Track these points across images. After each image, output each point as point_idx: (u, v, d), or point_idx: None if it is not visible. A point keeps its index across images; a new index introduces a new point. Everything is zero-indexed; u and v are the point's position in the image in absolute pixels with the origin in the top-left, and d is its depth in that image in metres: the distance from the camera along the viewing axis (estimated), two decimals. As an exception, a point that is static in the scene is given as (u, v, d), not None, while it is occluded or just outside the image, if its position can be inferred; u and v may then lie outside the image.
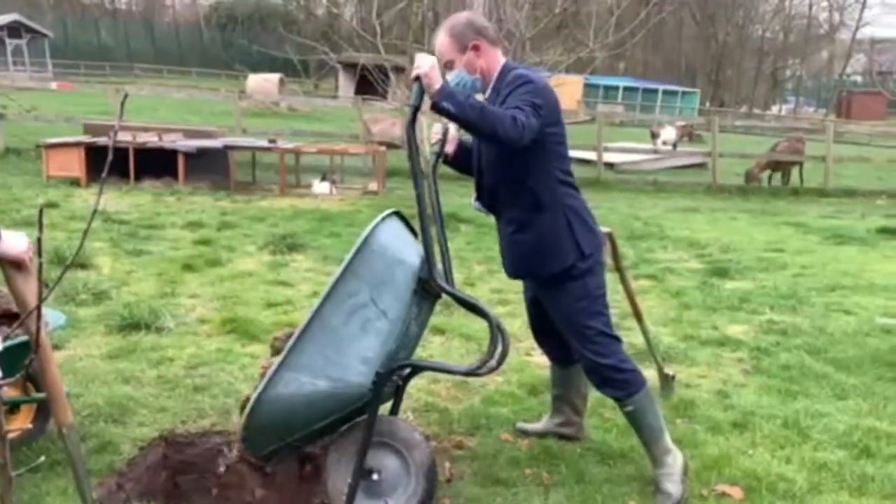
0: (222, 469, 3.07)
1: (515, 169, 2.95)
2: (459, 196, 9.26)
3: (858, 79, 61.80)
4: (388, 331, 2.70)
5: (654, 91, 41.47)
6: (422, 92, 2.68)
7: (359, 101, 18.04)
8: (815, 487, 3.18)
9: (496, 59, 3.05)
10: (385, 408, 2.95)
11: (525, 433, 3.60)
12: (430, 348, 4.70)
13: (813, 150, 16.71)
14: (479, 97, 2.97)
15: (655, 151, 19.26)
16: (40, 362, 2.23)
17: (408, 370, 2.99)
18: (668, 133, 21.13)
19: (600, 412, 3.80)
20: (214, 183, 11.32)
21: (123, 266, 6.45)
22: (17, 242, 2.19)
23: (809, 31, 58.06)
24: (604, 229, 3.31)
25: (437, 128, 3.13)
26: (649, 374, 3.78)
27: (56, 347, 4.14)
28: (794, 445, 3.56)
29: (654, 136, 21.55)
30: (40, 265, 1.68)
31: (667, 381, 4.01)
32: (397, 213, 2.95)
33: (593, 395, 3.47)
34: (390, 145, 14.17)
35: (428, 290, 2.81)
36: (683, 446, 3.32)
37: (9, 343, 2.65)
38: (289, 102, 27.35)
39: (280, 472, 3.19)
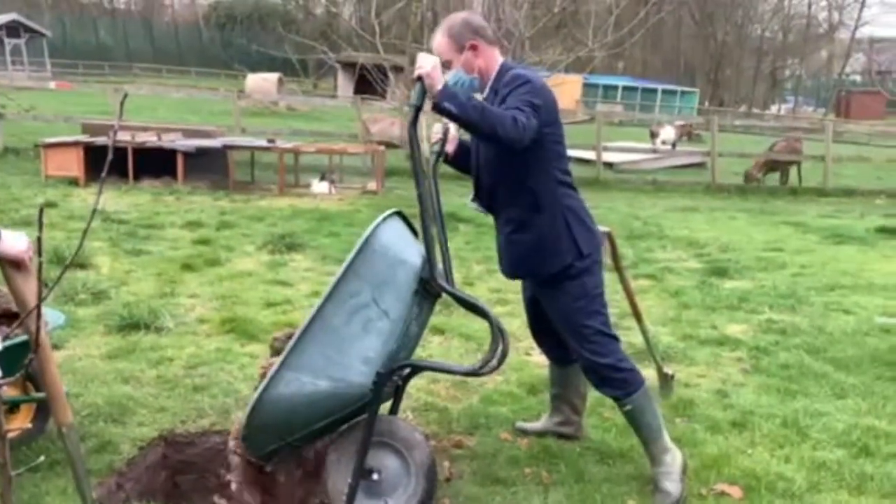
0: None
1: (513, 169, 2.96)
2: (458, 196, 9.27)
3: (857, 78, 61.83)
4: (390, 331, 2.70)
5: (654, 90, 41.47)
6: (424, 92, 2.68)
7: (358, 101, 18.05)
8: (815, 486, 3.18)
9: (494, 58, 3.05)
10: (385, 407, 2.95)
11: (524, 432, 3.61)
12: (430, 348, 4.70)
13: (812, 150, 16.72)
14: (478, 97, 2.98)
15: (654, 151, 19.26)
16: (40, 362, 2.23)
17: (408, 370, 3.00)
18: (668, 132, 21.13)
19: (599, 411, 3.80)
20: (213, 182, 11.32)
21: (122, 266, 6.45)
22: (16, 242, 2.19)
23: (808, 31, 58.08)
24: (603, 229, 3.32)
25: (437, 127, 3.13)
26: (648, 373, 3.78)
27: (55, 347, 4.14)
28: (793, 444, 3.56)
29: (654, 135, 21.56)
30: (40, 264, 1.68)
31: (666, 380, 4.01)
32: (398, 213, 2.95)
33: (592, 394, 3.47)
34: (389, 145, 14.18)
35: (429, 289, 2.81)
36: (682, 445, 3.32)
37: (8, 342, 2.65)
38: (288, 102, 27.35)
39: (280, 471, 3.19)
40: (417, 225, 2.88)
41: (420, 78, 2.66)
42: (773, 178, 16.03)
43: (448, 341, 4.89)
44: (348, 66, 29.69)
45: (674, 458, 3.10)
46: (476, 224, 8.54)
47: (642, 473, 3.22)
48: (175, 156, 11.17)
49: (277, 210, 9.72)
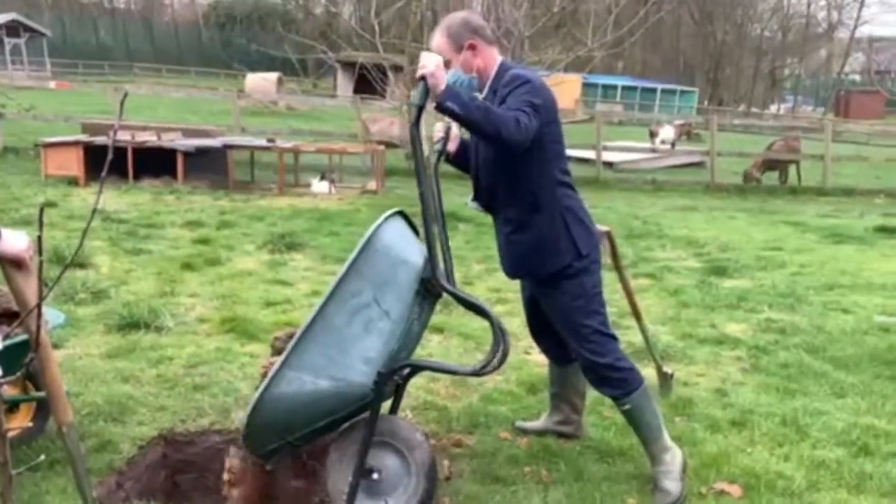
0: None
1: (512, 169, 2.96)
2: (458, 195, 9.27)
3: (857, 77, 61.84)
4: (391, 331, 2.71)
5: (653, 90, 41.50)
6: (427, 91, 2.68)
7: (357, 101, 18.04)
8: (814, 485, 3.19)
9: (493, 58, 3.05)
10: (385, 406, 2.95)
11: (524, 431, 3.61)
12: (429, 347, 4.70)
13: (811, 149, 16.72)
14: (477, 96, 2.98)
15: (654, 150, 19.27)
16: (40, 361, 2.23)
17: (409, 370, 3.00)
18: (667, 132, 21.13)
19: (599, 410, 3.81)
20: (213, 182, 11.32)
21: (122, 265, 6.45)
22: (17, 241, 2.19)
23: (808, 30, 58.08)
24: (602, 228, 3.32)
25: (439, 126, 3.13)
26: (648, 372, 3.79)
27: (55, 346, 4.13)
28: (792, 443, 3.57)
29: (653, 135, 21.56)
30: (41, 264, 1.68)
31: (665, 379, 4.02)
32: (400, 213, 2.95)
33: (592, 393, 3.48)
34: (389, 144, 14.17)
35: (430, 289, 2.81)
36: (682, 444, 3.32)
37: (9, 341, 2.65)
38: (287, 101, 27.33)
39: (280, 470, 3.19)
40: (419, 224, 2.88)
41: (423, 77, 2.67)
42: (772, 178, 16.04)
43: (447, 340, 4.89)
44: (348, 65, 29.69)
45: (673, 456, 3.11)
46: (476, 223, 8.55)
47: (642, 472, 3.23)
48: (175, 155, 11.17)
49: (277, 209, 9.72)
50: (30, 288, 2.21)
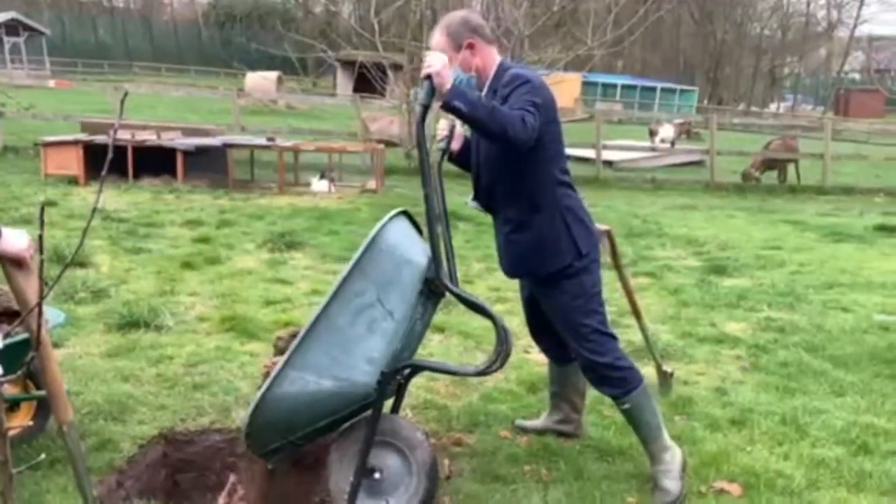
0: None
1: (512, 168, 2.96)
2: (458, 194, 9.27)
3: (856, 76, 61.86)
4: (394, 331, 2.71)
5: (653, 89, 41.52)
6: (433, 90, 2.68)
7: (357, 99, 18.05)
8: (814, 484, 3.19)
9: (492, 57, 3.05)
10: (386, 405, 2.95)
11: (524, 430, 3.61)
12: (430, 346, 4.70)
13: (811, 148, 16.73)
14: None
15: (653, 149, 19.27)
16: (41, 360, 2.23)
17: (411, 369, 3.00)
18: (667, 131, 21.13)
19: (599, 409, 3.81)
20: (213, 181, 11.31)
21: (122, 264, 6.45)
22: (17, 240, 2.19)
23: (807, 29, 58.08)
24: (602, 227, 3.32)
25: (443, 124, 3.13)
26: (648, 371, 3.79)
27: (55, 346, 4.13)
28: (792, 442, 3.57)
29: (653, 133, 21.55)
30: (41, 262, 1.68)
31: (665, 378, 4.02)
32: (405, 213, 2.95)
33: (592, 392, 3.48)
34: (389, 143, 14.18)
35: (433, 289, 2.81)
36: (682, 443, 3.33)
37: (9, 340, 2.65)
38: (287, 100, 27.32)
39: (281, 469, 3.20)
40: (422, 224, 2.88)
41: (429, 76, 2.67)
42: (772, 177, 16.05)
43: (448, 339, 4.89)
44: (347, 64, 29.69)
45: (673, 455, 3.11)
46: (476, 222, 8.55)
47: (642, 471, 3.23)
48: (175, 154, 11.17)
49: (277, 208, 9.72)
50: (30, 287, 2.21)
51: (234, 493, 2.94)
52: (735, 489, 3.13)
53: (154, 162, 11.09)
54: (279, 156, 11.85)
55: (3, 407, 1.91)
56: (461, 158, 3.20)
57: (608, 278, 3.22)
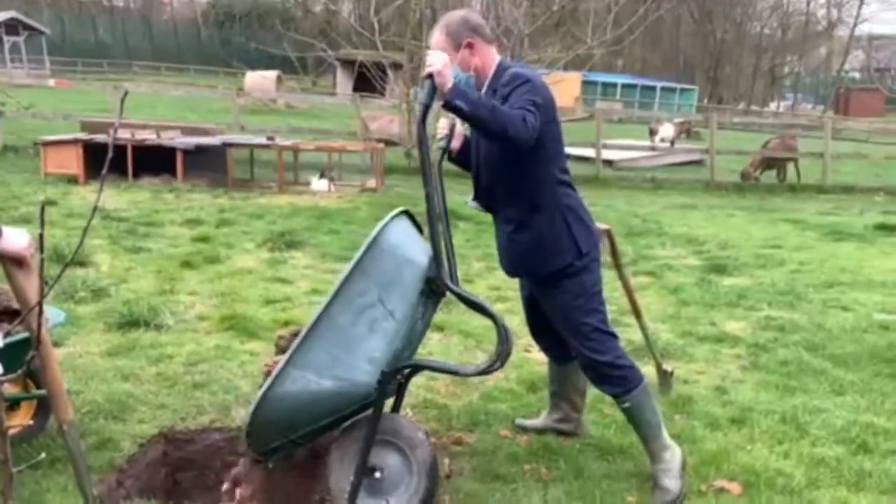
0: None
1: (512, 168, 2.96)
2: (459, 194, 9.27)
3: (856, 75, 61.88)
4: (395, 331, 2.70)
5: (653, 88, 41.53)
6: (434, 90, 2.68)
7: (357, 98, 18.05)
8: (813, 482, 3.19)
9: (491, 57, 3.05)
10: (386, 405, 2.95)
11: (524, 429, 3.61)
12: (429, 345, 4.70)
13: (811, 147, 16.73)
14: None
15: (653, 148, 19.26)
16: (41, 359, 2.23)
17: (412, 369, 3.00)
18: (667, 130, 21.13)
19: (599, 408, 3.81)
20: (213, 180, 11.31)
21: (122, 263, 6.45)
22: (18, 239, 2.19)
23: (807, 28, 58.09)
24: (602, 226, 3.32)
25: (443, 122, 3.12)
26: (648, 370, 3.79)
27: (55, 345, 4.13)
28: (792, 441, 3.57)
29: (653, 133, 21.56)
30: (42, 261, 1.68)
31: (665, 377, 4.02)
32: (406, 212, 2.95)
33: (592, 391, 3.48)
34: (388, 142, 14.18)
35: (434, 289, 2.81)
36: (682, 442, 3.33)
37: (10, 339, 2.65)
38: (287, 100, 27.33)
39: (281, 468, 3.20)
40: (423, 223, 2.88)
41: (430, 76, 2.66)
42: (771, 176, 16.05)
43: (448, 338, 4.89)
44: (347, 63, 29.68)
45: (673, 454, 3.11)
46: (476, 222, 8.55)
47: (642, 470, 3.23)
48: (174, 153, 11.16)
49: (277, 208, 9.72)
50: (31, 286, 2.21)
51: (235, 491, 2.94)
52: (735, 488, 3.13)
53: (154, 161, 11.09)
54: (279, 155, 11.85)
55: (3, 406, 1.91)
56: (461, 157, 3.19)
57: (608, 277, 3.22)
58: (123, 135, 10.91)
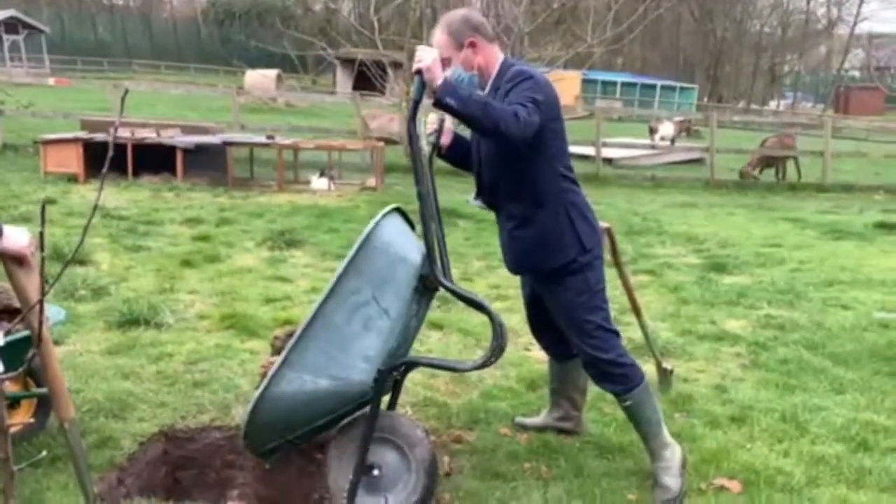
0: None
1: (515, 164, 2.95)
2: (459, 192, 9.27)
3: (856, 74, 61.90)
4: (390, 329, 2.70)
5: (653, 86, 41.55)
6: (423, 86, 2.66)
7: (357, 97, 18.01)
8: (813, 481, 3.19)
9: (494, 55, 3.03)
10: (383, 402, 2.96)
11: (524, 427, 3.61)
12: (429, 343, 4.71)
13: (811, 146, 16.73)
14: (479, 94, 2.96)
15: (653, 147, 19.26)
16: (42, 357, 2.23)
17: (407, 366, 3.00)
18: (667, 128, 21.14)
19: (599, 406, 3.81)
20: (213, 179, 11.32)
21: (122, 262, 6.45)
22: (19, 238, 2.20)
23: (807, 27, 58.10)
24: (602, 224, 3.32)
25: (432, 118, 3.10)
26: (648, 368, 3.79)
27: (56, 343, 4.13)
28: (792, 439, 3.57)
29: (653, 131, 21.56)
30: (42, 260, 1.68)
31: (665, 375, 4.03)
32: (398, 209, 2.95)
33: (592, 389, 3.48)
34: (388, 141, 14.18)
35: (427, 286, 2.82)
36: (682, 440, 3.33)
37: (10, 338, 2.66)
38: (286, 98, 27.31)
39: (281, 467, 3.20)
40: (415, 220, 2.88)
41: (419, 72, 2.65)
42: (771, 174, 16.05)
43: (447, 337, 4.89)
44: (347, 62, 29.64)
45: (673, 453, 3.11)
46: (476, 220, 8.54)
47: (642, 468, 3.23)
48: (174, 152, 11.17)
49: (277, 206, 9.72)
50: (31, 284, 2.22)
51: (236, 490, 2.95)
52: (735, 486, 3.13)
53: (153, 160, 11.09)
54: (279, 154, 11.85)
55: (4, 404, 1.91)
56: (451, 153, 3.17)
57: (608, 276, 3.21)
58: (123, 133, 10.92)
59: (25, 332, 2.81)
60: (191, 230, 7.97)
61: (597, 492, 3.06)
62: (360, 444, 2.77)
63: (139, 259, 6.59)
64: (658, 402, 3.23)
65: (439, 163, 3.17)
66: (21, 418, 3.22)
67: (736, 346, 4.95)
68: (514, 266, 3.21)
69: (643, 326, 3.91)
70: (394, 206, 2.94)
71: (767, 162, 15.92)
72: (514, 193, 3.01)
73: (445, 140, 3.13)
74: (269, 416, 2.72)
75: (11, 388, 3.12)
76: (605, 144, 16.08)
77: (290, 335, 3.12)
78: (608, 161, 16.61)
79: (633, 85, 41.71)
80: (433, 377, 4.10)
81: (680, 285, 6.46)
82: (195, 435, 3.47)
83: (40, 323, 1.86)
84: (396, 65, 15.56)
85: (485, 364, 2.81)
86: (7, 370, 2.21)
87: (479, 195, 3.16)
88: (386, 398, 3.05)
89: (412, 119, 2.71)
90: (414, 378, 3.92)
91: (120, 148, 10.76)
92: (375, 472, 2.83)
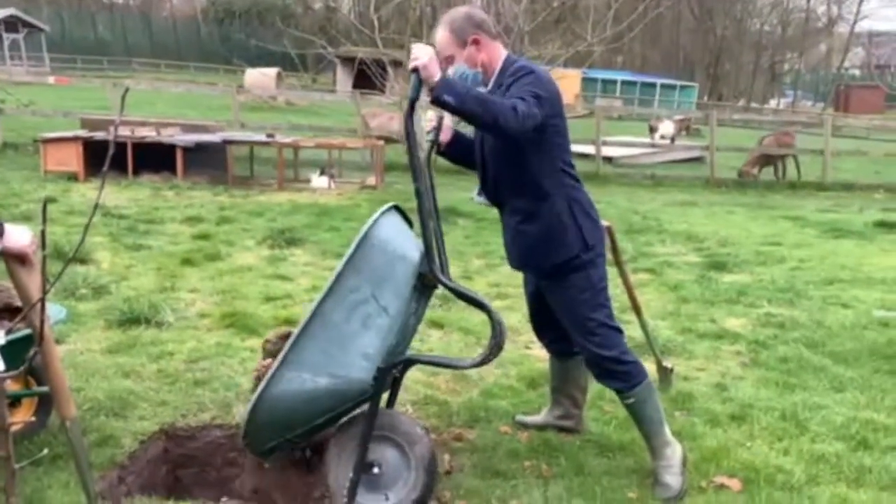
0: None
1: (518, 160, 2.95)
2: (460, 190, 9.28)
3: (856, 72, 61.89)
4: (389, 327, 2.71)
5: (653, 85, 41.54)
6: (420, 84, 2.66)
7: (357, 96, 18.00)
8: (813, 479, 3.20)
9: (497, 52, 3.03)
10: (382, 399, 2.96)
11: (524, 426, 3.62)
12: (430, 342, 4.71)
13: (811, 144, 16.73)
14: (481, 90, 2.96)
15: (653, 145, 19.26)
16: (44, 355, 2.24)
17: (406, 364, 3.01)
18: (667, 127, 21.14)
19: (600, 405, 3.82)
20: (213, 177, 11.32)
21: (123, 261, 6.46)
22: (20, 236, 2.20)
23: (807, 25, 58.07)
24: (603, 223, 3.32)
25: (430, 115, 3.09)
26: (648, 367, 3.78)
27: (57, 342, 4.13)
28: (792, 437, 3.57)
29: (653, 130, 21.56)
30: (44, 258, 1.68)
31: (665, 374, 4.03)
32: (396, 207, 2.95)
33: (593, 387, 3.49)
34: (388, 139, 14.16)
35: (426, 283, 2.82)
36: (682, 438, 3.34)
37: (12, 337, 2.66)
38: (287, 97, 27.30)
39: (281, 465, 3.20)
40: (414, 218, 2.88)
41: (416, 69, 2.64)
42: (770, 173, 16.04)
43: (448, 335, 4.90)
44: (347, 60, 29.67)
45: (674, 451, 3.11)
46: (476, 219, 8.54)
47: (642, 466, 3.24)
48: (174, 151, 11.17)
49: (277, 205, 9.72)
50: (33, 283, 2.22)
51: (236, 489, 2.95)
52: (735, 484, 3.14)
53: (154, 158, 11.09)
54: (279, 152, 11.85)
55: (5, 402, 1.92)
56: (451, 150, 3.18)
57: (608, 274, 3.22)
58: (123, 132, 10.92)
59: (27, 331, 2.82)
60: (191, 229, 7.98)
61: (597, 490, 3.06)
62: (360, 442, 2.77)
63: (140, 258, 6.59)
64: (660, 401, 3.24)
65: (440, 161, 3.17)
66: (22, 417, 3.22)
67: (736, 344, 4.96)
68: (518, 262, 3.20)
69: (643, 325, 3.92)
70: (391, 203, 2.94)
71: (766, 161, 15.91)
72: (517, 188, 3.01)
73: (444, 137, 3.13)
74: (269, 416, 2.72)
75: (13, 386, 3.12)
76: (605, 143, 16.08)
77: (281, 337, 3.13)
78: (608, 160, 16.61)
79: (633, 83, 41.70)
80: (434, 375, 4.11)
81: (680, 284, 6.46)
82: (196, 433, 3.47)
83: (42, 321, 1.87)
84: (396, 63, 15.53)
85: (483, 362, 2.81)
86: (8, 369, 2.21)
87: (482, 191, 3.16)
88: (385, 396, 3.06)
89: (409, 116, 2.71)
90: (414, 376, 3.92)
91: (120, 146, 10.75)
92: (375, 469, 2.84)
